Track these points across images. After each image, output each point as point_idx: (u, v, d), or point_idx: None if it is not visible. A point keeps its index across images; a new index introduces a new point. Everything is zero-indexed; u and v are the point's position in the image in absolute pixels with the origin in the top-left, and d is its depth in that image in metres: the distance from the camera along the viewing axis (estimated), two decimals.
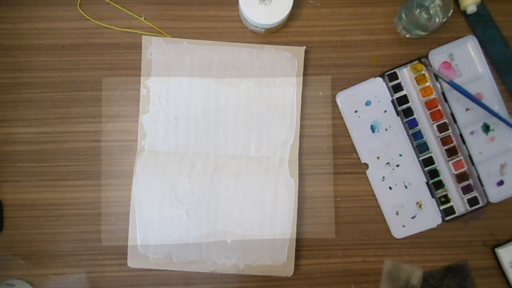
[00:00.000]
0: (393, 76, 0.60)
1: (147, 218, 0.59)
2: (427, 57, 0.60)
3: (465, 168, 0.60)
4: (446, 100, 0.60)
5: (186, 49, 0.60)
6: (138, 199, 0.59)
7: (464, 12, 0.60)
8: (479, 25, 0.61)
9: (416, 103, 0.61)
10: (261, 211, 0.59)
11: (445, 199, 0.60)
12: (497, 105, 0.60)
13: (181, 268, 0.59)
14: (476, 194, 0.60)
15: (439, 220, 0.60)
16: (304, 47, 0.60)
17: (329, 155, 0.60)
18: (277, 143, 0.59)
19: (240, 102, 0.60)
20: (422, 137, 0.61)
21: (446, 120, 0.60)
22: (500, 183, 0.60)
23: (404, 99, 0.61)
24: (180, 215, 0.59)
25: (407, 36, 0.61)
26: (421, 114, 0.61)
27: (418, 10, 0.56)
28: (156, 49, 0.60)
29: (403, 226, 0.60)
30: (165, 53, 0.60)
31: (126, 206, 0.59)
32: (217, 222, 0.59)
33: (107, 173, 0.60)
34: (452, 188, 0.60)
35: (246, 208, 0.59)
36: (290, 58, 0.60)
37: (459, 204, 0.60)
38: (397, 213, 0.60)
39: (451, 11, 0.55)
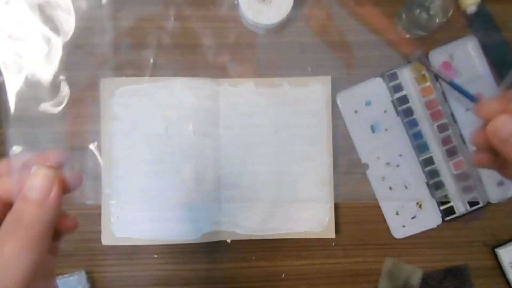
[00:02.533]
0: (393, 76, 0.60)
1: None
2: (427, 57, 0.60)
3: (465, 168, 0.60)
4: (446, 100, 0.60)
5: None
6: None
7: (464, 12, 0.60)
8: (479, 25, 0.61)
9: (416, 103, 0.61)
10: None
11: (445, 199, 0.60)
12: None
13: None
14: (476, 194, 0.60)
15: (439, 220, 0.60)
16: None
17: (329, 155, 0.60)
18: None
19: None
20: (422, 137, 0.60)
21: (446, 120, 0.60)
22: (500, 183, 0.60)
23: (404, 99, 0.60)
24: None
25: (407, 36, 0.61)
26: (421, 114, 0.61)
27: (418, 10, 0.56)
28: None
29: (403, 226, 0.60)
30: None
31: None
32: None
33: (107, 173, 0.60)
34: (452, 188, 0.60)
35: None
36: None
37: (459, 204, 0.60)
38: (397, 213, 0.60)
39: (451, 11, 0.55)
